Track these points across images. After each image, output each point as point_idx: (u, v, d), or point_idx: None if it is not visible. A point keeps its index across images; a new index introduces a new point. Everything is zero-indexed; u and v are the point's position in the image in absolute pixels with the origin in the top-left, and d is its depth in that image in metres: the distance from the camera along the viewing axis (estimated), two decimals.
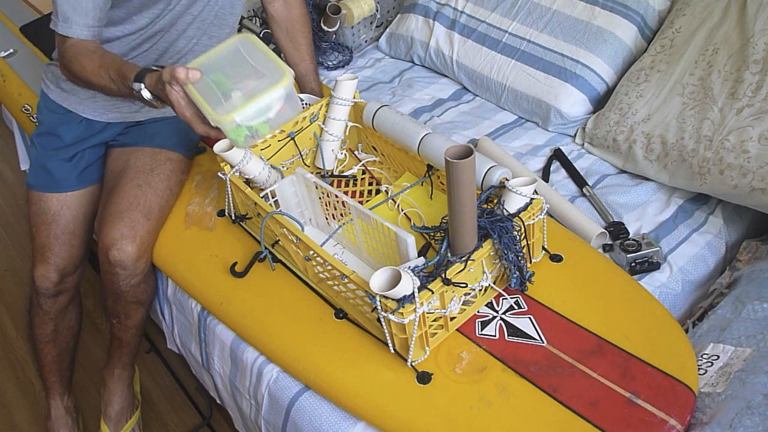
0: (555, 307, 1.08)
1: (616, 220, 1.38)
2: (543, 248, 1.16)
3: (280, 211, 1.17)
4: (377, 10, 2.04)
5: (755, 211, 1.36)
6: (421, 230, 1.19)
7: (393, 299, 0.95)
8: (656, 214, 1.40)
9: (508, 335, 1.05)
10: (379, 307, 0.96)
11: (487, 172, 1.13)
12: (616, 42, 1.63)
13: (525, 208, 1.07)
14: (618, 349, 1.00)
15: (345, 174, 1.40)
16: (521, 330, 1.05)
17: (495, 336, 1.05)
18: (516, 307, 1.09)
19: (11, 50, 1.95)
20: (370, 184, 1.38)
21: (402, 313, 0.94)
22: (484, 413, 0.96)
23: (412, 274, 0.95)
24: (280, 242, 1.21)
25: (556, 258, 1.16)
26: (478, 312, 1.09)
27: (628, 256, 1.27)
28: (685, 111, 1.42)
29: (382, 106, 1.33)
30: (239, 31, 1.78)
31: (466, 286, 1.03)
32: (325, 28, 1.94)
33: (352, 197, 1.31)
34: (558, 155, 1.57)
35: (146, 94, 1.13)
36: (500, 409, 0.96)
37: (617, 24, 1.63)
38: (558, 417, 0.94)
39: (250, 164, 1.21)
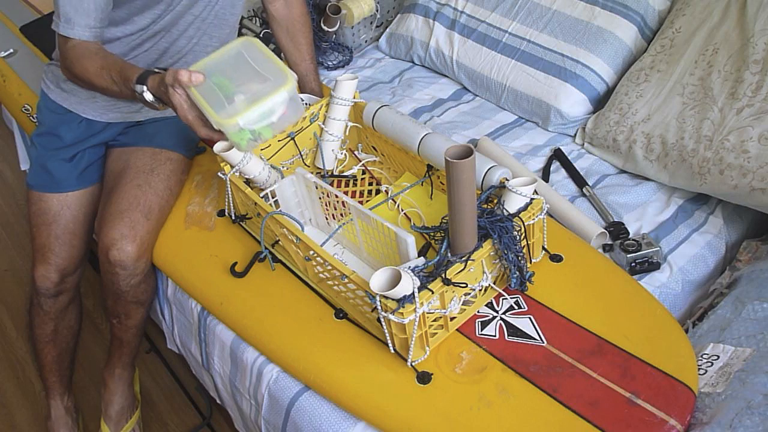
0: (555, 307, 1.08)
1: (616, 220, 1.38)
2: (543, 248, 1.16)
3: (280, 211, 1.17)
4: (377, 10, 2.04)
5: (755, 211, 1.36)
6: (421, 230, 1.19)
7: (393, 299, 0.95)
8: (656, 214, 1.40)
9: (508, 335, 1.05)
10: (379, 307, 0.96)
11: (487, 172, 1.13)
12: (616, 42, 1.63)
13: (525, 208, 1.07)
14: (618, 349, 1.00)
15: (345, 174, 1.40)
16: (521, 330, 1.05)
17: (495, 336, 1.05)
18: (516, 307, 1.09)
19: (11, 50, 1.95)
20: (370, 184, 1.38)
21: (402, 313, 0.94)
22: (484, 413, 0.96)
23: (412, 274, 0.95)
24: (280, 242, 1.21)
25: (556, 258, 1.16)
26: (478, 312, 1.09)
27: (628, 256, 1.27)
28: (685, 111, 1.42)
29: (382, 106, 1.33)
30: (239, 31, 1.78)
31: (466, 286, 1.03)
32: (325, 28, 1.94)
33: (352, 197, 1.31)
34: (558, 155, 1.57)
35: (148, 96, 1.13)
36: (500, 409, 0.96)
37: (617, 24, 1.63)
38: (558, 417, 0.94)
39: (250, 164, 1.21)
